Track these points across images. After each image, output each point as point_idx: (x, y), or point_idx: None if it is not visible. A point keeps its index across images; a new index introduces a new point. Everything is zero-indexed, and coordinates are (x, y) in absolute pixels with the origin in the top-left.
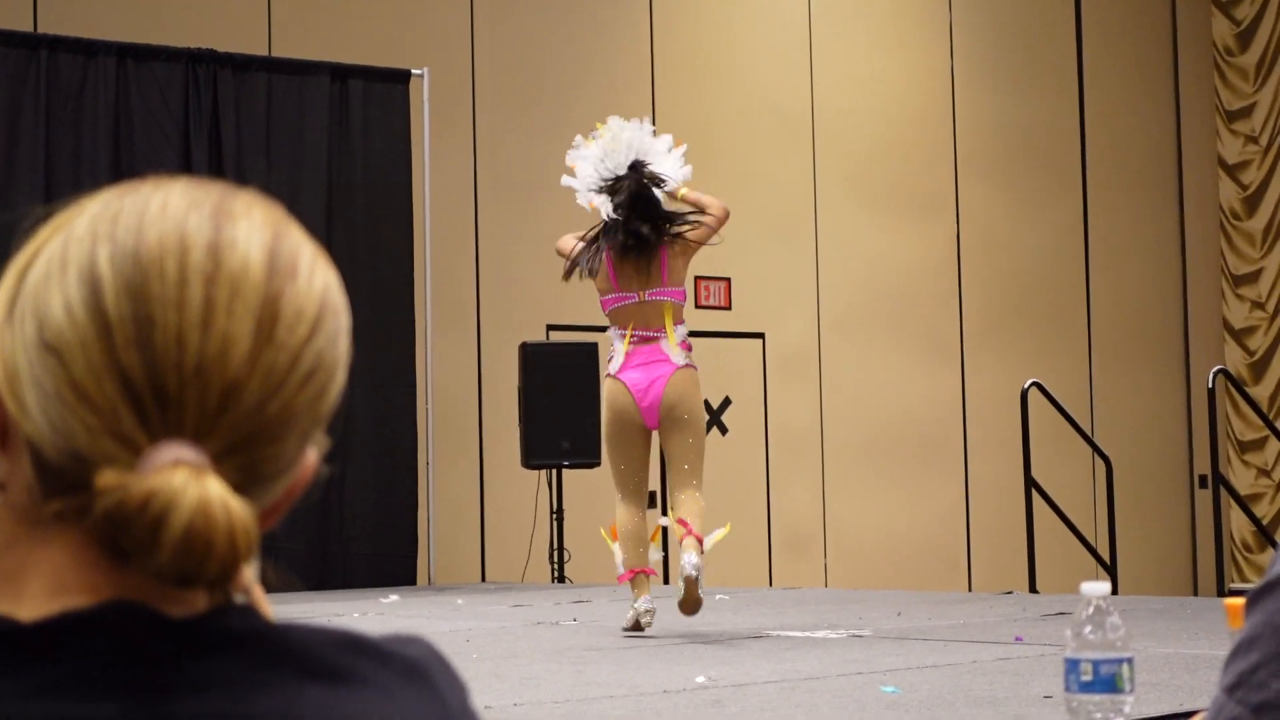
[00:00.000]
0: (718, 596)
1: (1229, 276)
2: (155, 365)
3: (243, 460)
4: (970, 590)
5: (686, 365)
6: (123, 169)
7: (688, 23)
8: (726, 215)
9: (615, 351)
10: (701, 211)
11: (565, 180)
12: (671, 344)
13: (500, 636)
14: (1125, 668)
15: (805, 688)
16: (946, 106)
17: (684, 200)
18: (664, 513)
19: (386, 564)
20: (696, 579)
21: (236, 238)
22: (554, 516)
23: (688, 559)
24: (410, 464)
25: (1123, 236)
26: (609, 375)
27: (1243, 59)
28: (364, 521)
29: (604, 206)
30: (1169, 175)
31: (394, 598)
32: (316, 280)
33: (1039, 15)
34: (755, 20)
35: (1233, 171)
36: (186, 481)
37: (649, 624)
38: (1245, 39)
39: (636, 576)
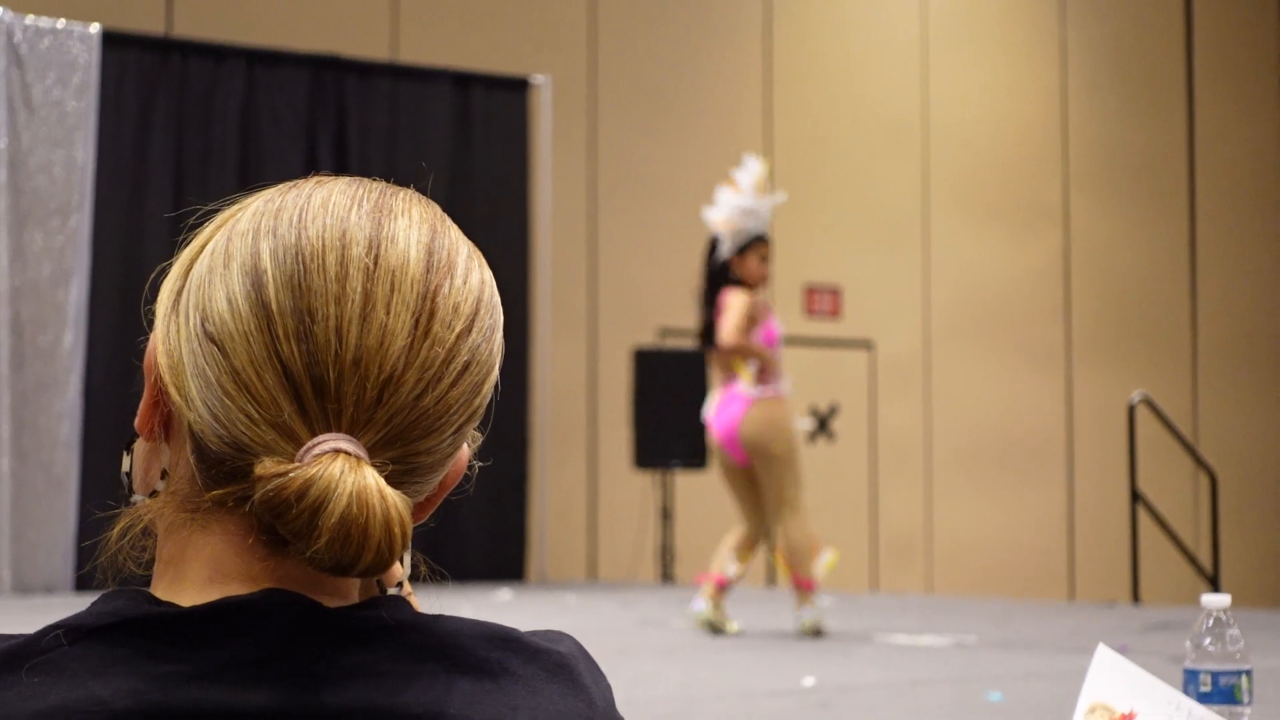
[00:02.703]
0: (823, 601)
1: None
2: (315, 357)
3: (398, 452)
4: (1073, 600)
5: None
6: (249, 171)
7: (804, 33)
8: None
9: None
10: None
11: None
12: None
13: (610, 634)
14: (1244, 679)
15: (911, 693)
16: (1058, 122)
17: None
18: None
19: (498, 560)
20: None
21: (396, 234)
22: (663, 517)
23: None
24: (522, 464)
25: (1230, 255)
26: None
27: None
28: (477, 517)
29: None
30: (1275, 193)
31: (507, 595)
32: (473, 278)
33: (1151, 34)
34: (870, 32)
35: None
36: (344, 471)
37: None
38: None
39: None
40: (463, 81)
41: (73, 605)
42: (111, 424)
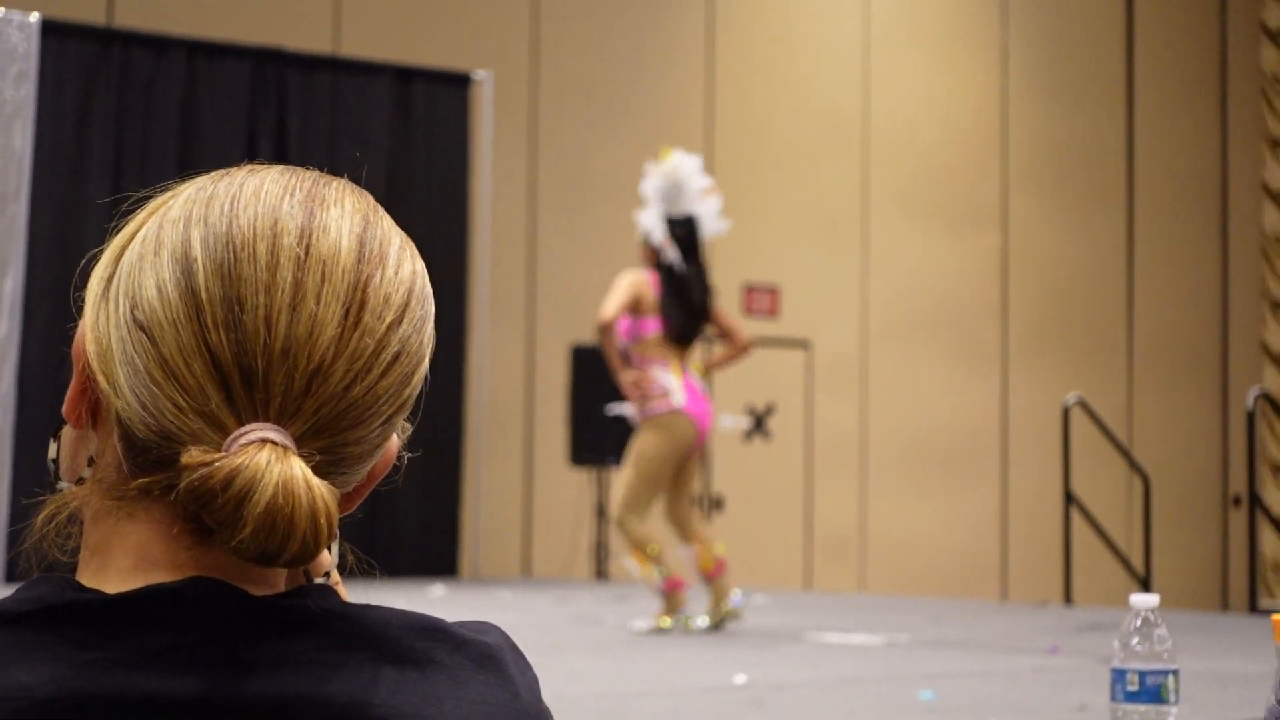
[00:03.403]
0: (757, 598)
1: (1270, 301)
2: (244, 346)
3: (326, 443)
4: (1005, 600)
5: None
6: (189, 163)
7: (746, 31)
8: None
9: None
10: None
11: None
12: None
13: (544, 631)
14: (1171, 679)
15: (843, 691)
16: (997, 122)
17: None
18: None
19: (431, 555)
20: None
21: (328, 224)
22: (598, 514)
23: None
24: (456, 458)
25: (1166, 257)
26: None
27: None
28: (411, 512)
29: (671, 251)
30: (1214, 199)
31: (440, 590)
32: (404, 268)
33: (1091, 36)
34: (812, 29)
35: (1277, 197)
36: (271, 461)
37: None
38: None
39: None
40: (404, 76)
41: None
42: (45, 414)
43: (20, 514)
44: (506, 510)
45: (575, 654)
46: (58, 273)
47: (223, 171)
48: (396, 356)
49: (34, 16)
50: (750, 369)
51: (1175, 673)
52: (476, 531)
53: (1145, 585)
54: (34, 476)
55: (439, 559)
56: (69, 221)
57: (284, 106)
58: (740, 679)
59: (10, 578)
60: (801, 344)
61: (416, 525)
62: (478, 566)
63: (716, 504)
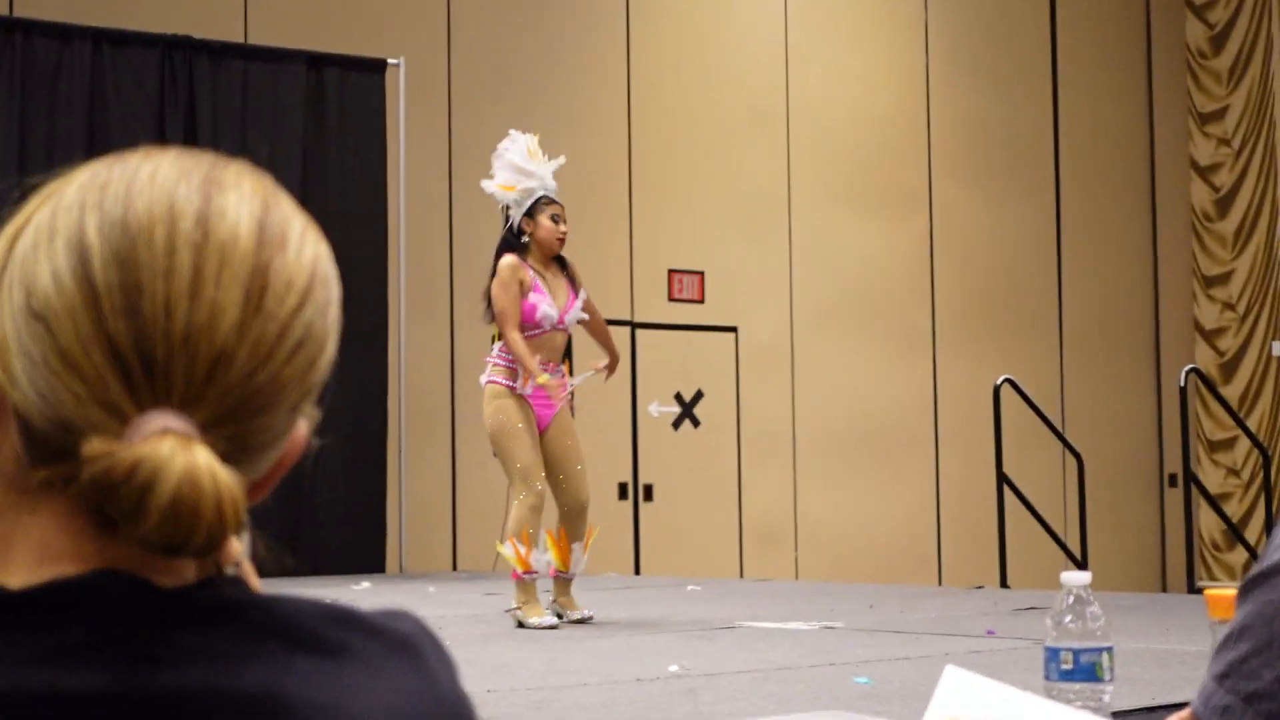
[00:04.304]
0: (689, 588)
1: (1200, 278)
2: (143, 334)
3: (231, 430)
4: (941, 584)
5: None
6: (97, 154)
7: (663, 15)
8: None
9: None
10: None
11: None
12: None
13: (473, 624)
14: (1105, 657)
15: (778, 678)
16: (921, 104)
17: None
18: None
19: (357, 551)
20: None
21: (226, 207)
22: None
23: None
24: (380, 452)
25: (1095, 236)
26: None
27: (1216, 62)
28: (334, 508)
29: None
30: (1142, 176)
31: (366, 585)
32: (306, 251)
33: (1014, 15)
34: (731, 14)
35: (1205, 174)
36: (174, 450)
37: None
38: (1218, 42)
39: None
40: (317, 63)
41: None
42: None
43: None
44: (433, 505)
45: (505, 646)
46: None
47: (117, 156)
48: (301, 342)
49: None
50: (677, 355)
51: (1109, 650)
52: (402, 526)
53: (1082, 566)
54: None
55: (365, 555)
56: None
57: (194, 95)
58: (674, 668)
59: None
60: (728, 329)
61: (341, 520)
62: (404, 561)
63: (646, 493)
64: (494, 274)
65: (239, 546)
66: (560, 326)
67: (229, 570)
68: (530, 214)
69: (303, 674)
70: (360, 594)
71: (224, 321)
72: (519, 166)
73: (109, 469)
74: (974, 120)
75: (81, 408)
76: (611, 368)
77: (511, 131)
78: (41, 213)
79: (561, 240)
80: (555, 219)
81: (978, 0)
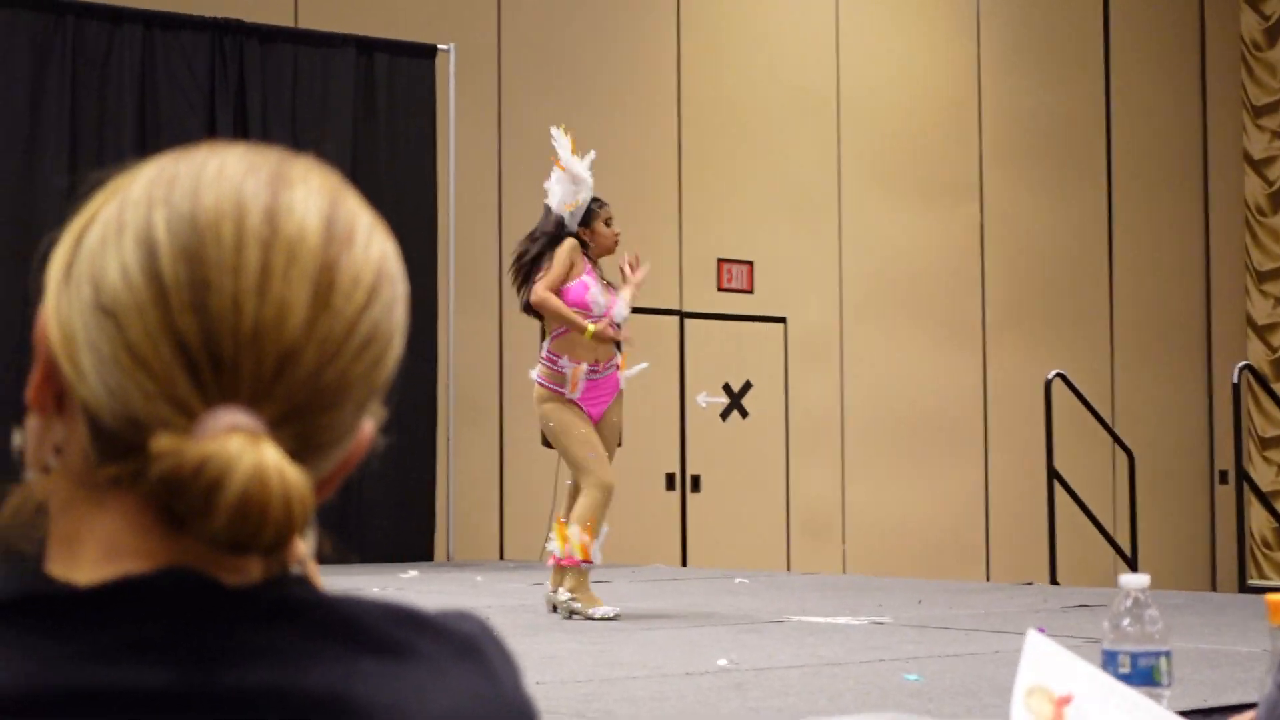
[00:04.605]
0: (737, 580)
1: (1253, 272)
2: (211, 330)
3: (298, 428)
4: (988, 579)
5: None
6: (147, 138)
7: (714, 2)
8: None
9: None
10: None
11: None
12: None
13: (520, 615)
14: (1164, 660)
15: (828, 673)
16: (972, 93)
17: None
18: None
19: (404, 539)
20: None
21: (294, 203)
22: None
23: None
24: (429, 440)
25: (1147, 229)
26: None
27: (1271, 54)
28: (382, 497)
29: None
30: (1194, 169)
31: (413, 573)
32: (374, 248)
33: (1066, 5)
34: (783, 2)
35: (1258, 167)
36: (242, 447)
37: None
38: (1273, 34)
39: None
40: (367, 48)
41: None
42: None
43: None
44: (480, 493)
45: (552, 638)
46: (12, 248)
47: (184, 151)
48: (368, 339)
49: None
50: (726, 345)
51: (1168, 654)
52: (449, 515)
53: (1131, 564)
54: None
55: (412, 543)
56: (23, 198)
57: (244, 80)
58: (722, 662)
59: None
60: (778, 319)
61: (389, 509)
62: (451, 550)
63: (694, 484)
64: (523, 255)
65: (304, 545)
66: (608, 315)
67: (294, 569)
68: (585, 221)
69: (367, 675)
70: (408, 582)
71: (292, 318)
72: (573, 176)
73: (177, 466)
74: (1025, 110)
75: (149, 404)
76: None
77: (552, 130)
78: (109, 208)
79: (617, 242)
80: (609, 223)
81: None
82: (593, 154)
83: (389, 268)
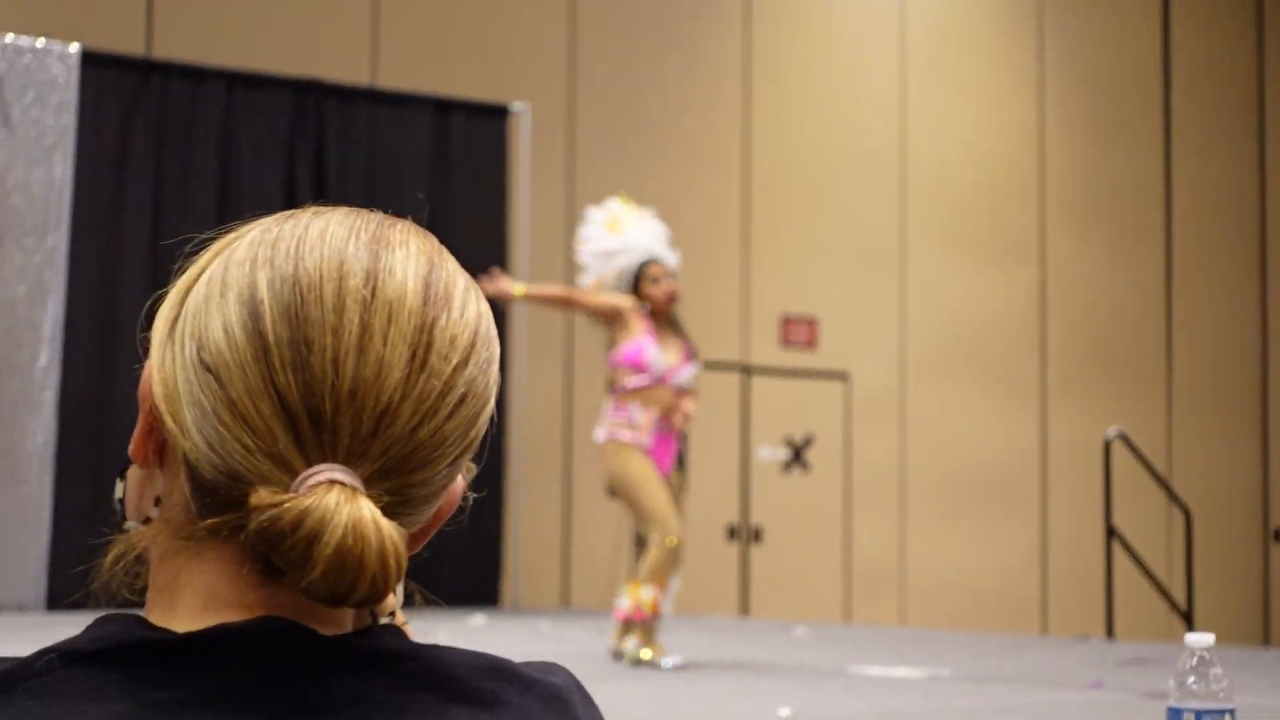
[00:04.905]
0: (797, 631)
1: None
2: (311, 388)
3: (394, 484)
4: (1045, 634)
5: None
6: (228, 194)
7: (784, 63)
8: (569, 293)
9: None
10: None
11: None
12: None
13: (584, 663)
14: (1228, 718)
15: None
16: (1035, 154)
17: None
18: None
19: (471, 585)
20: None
21: (394, 266)
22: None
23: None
24: (497, 486)
25: (1204, 290)
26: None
27: None
28: (450, 541)
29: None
30: (1252, 231)
31: (480, 620)
32: (470, 310)
33: (1128, 70)
34: (850, 62)
35: None
36: (340, 502)
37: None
38: None
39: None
40: (442, 108)
41: (44, 624)
42: (86, 444)
43: (63, 546)
44: (546, 540)
45: (616, 686)
46: (97, 303)
47: (288, 213)
48: (463, 398)
49: (74, 47)
50: (789, 400)
51: (1232, 712)
52: (516, 561)
53: (1188, 620)
54: (74, 508)
55: (479, 588)
56: (108, 252)
57: (322, 137)
58: (784, 712)
59: (53, 606)
60: (840, 375)
61: (457, 555)
62: (517, 597)
63: (755, 536)
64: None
65: (395, 597)
66: (669, 381)
67: (385, 620)
68: (635, 288)
69: None
70: (475, 630)
71: (390, 377)
72: (600, 252)
73: (276, 519)
74: (1087, 173)
75: (250, 459)
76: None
77: (588, 211)
78: (214, 267)
79: (670, 296)
80: (655, 280)
81: (1092, 53)
82: (649, 213)
83: (484, 329)
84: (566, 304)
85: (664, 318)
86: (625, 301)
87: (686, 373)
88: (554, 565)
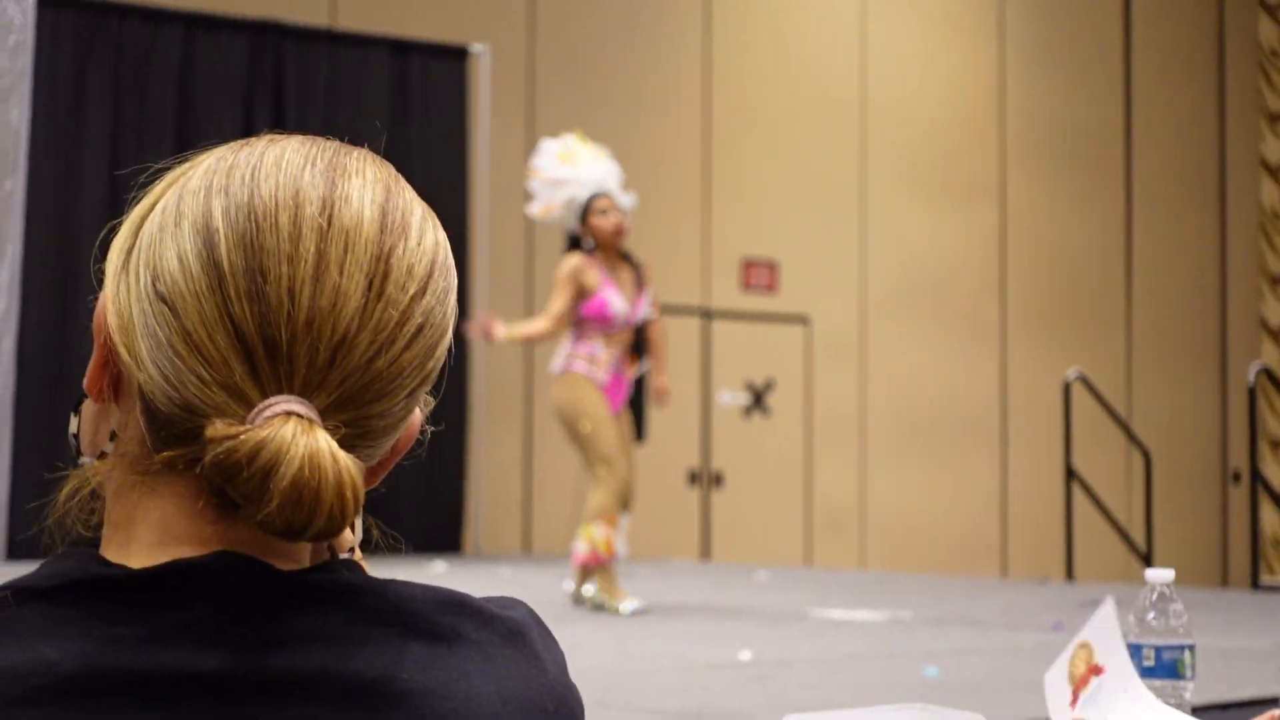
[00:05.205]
0: (758, 575)
1: (1268, 276)
2: (267, 318)
3: (351, 415)
4: (1005, 576)
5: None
6: (186, 136)
7: (744, 4)
8: (547, 320)
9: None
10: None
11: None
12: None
13: (545, 608)
14: (1187, 654)
15: (848, 668)
16: (995, 97)
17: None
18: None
19: (433, 532)
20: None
21: (350, 193)
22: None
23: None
24: (459, 433)
25: (1164, 233)
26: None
27: None
28: (411, 489)
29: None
30: (1212, 174)
31: (442, 566)
32: (427, 239)
33: (1088, 11)
34: (810, 4)
35: (1275, 172)
36: (296, 433)
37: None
38: None
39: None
40: (401, 49)
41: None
42: (46, 389)
43: (20, 486)
44: (507, 487)
45: (577, 629)
46: (56, 246)
47: (243, 141)
48: (420, 328)
49: None
50: (749, 344)
51: (1191, 648)
52: (477, 507)
53: (1147, 561)
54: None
55: (441, 535)
56: (66, 195)
57: (281, 79)
58: (745, 655)
59: (11, 554)
60: (800, 319)
61: (419, 500)
62: (478, 543)
63: (716, 480)
64: None
65: (352, 534)
66: (631, 322)
67: (343, 556)
68: (582, 218)
69: (416, 659)
70: (435, 576)
71: (347, 307)
72: (550, 180)
73: (232, 451)
74: (1047, 115)
75: (205, 390)
76: (658, 395)
77: (542, 141)
78: (167, 197)
79: (618, 229)
80: (604, 213)
81: None
82: (603, 150)
83: (442, 259)
84: (553, 329)
85: (612, 251)
86: (571, 267)
87: (645, 306)
88: (515, 511)
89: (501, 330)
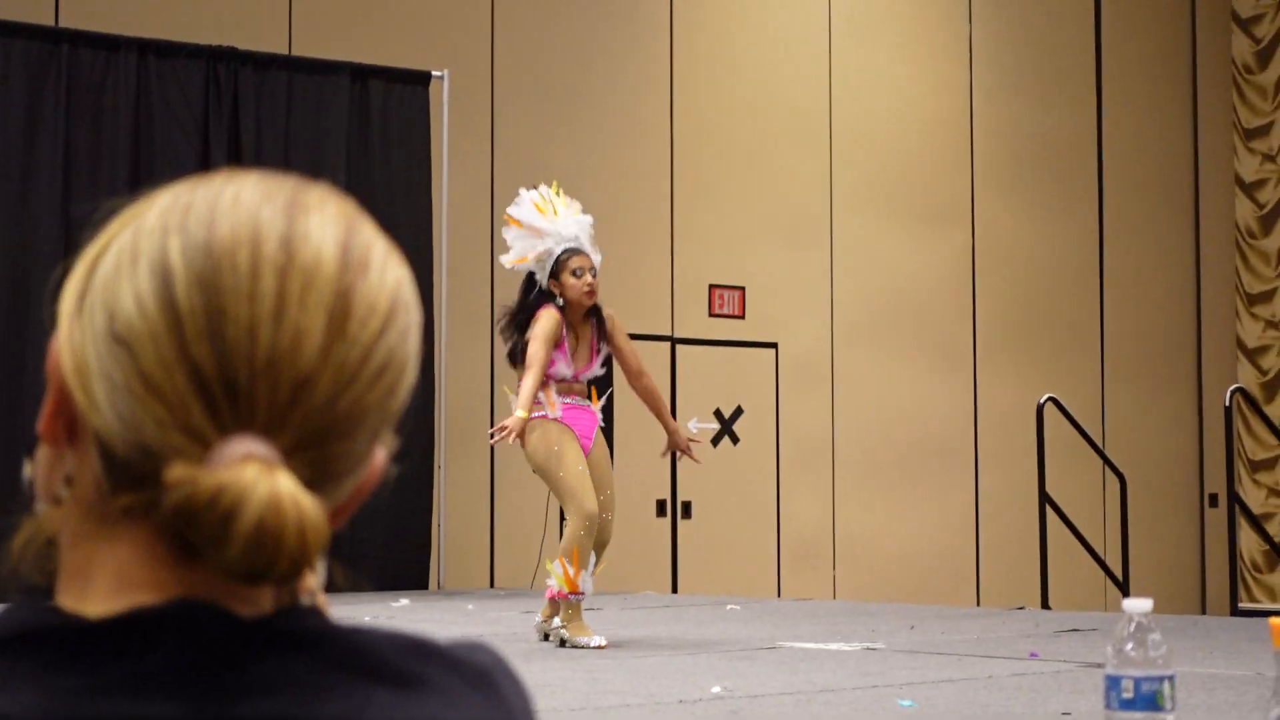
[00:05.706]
0: (729, 606)
1: (1243, 295)
2: (226, 358)
3: (313, 456)
4: (979, 604)
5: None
6: (141, 165)
7: (708, 26)
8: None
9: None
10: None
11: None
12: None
13: (512, 643)
14: (1167, 685)
15: (821, 700)
16: (964, 117)
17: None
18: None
19: (397, 567)
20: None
21: (309, 231)
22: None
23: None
24: (425, 467)
25: (1138, 252)
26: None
27: (1262, 77)
28: (376, 524)
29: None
30: (1186, 192)
31: (404, 602)
32: (389, 276)
33: (1059, 28)
34: (775, 25)
35: (1249, 190)
36: (257, 476)
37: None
38: (1265, 57)
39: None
40: (361, 75)
41: None
42: None
43: None
44: (471, 521)
45: (546, 665)
46: (6, 279)
47: (199, 178)
48: (383, 367)
49: None
50: (717, 371)
51: (1171, 679)
52: (441, 543)
53: (1123, 587)
54: None
55: (406, 571)
56: (17, 223)
57: (238, 107)
58: (717, 689)
59: None
60: (769, 345)
61: (384, 537)
62: (442, 579)
63: (685, 511)
64: (518, 310)
65: (315, 576)
66: (579, 378)
67: (305, 600)
68: (554, 274)
69: (380, 706)
70: (399, 611)
71: (307, 346)
72: (525, 230)
73: (191, 495)
74: (1017, 133)
75: (163, 432)
76: (675, 444)
77: (520, 191)
78: (123, 236)
79: (590, 293)
80: (577, 273)
81: (1022, 13)
82: (577, 205)
83: (404, 295)
84: (543, 373)
85: (577, 312)
86: (554, 325)
87: (594, 367)
88: (481, 546)
89: (518, 414)
